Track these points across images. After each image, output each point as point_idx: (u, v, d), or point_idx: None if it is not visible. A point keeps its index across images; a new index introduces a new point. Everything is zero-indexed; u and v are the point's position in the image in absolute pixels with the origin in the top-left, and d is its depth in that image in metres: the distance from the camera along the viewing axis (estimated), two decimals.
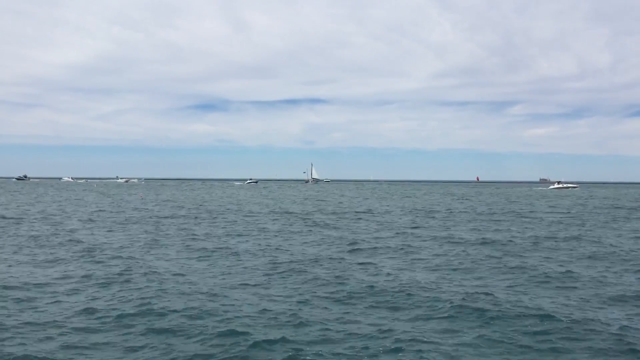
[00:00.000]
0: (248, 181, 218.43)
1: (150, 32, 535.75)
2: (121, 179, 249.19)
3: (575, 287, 16.10)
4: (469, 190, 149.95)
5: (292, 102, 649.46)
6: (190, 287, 15.50)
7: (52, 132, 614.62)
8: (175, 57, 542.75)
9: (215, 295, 14.59)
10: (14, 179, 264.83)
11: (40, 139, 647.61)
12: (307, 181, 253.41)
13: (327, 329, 11.56)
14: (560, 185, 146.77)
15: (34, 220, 37.55)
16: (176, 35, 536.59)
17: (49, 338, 11.00)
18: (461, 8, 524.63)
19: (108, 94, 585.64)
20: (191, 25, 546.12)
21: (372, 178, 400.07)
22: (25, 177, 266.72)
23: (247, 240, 27.24)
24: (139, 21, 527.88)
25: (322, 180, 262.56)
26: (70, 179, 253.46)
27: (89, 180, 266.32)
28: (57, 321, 12.07)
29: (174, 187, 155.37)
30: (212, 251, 23.17)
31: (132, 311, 12.87)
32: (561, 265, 19.83)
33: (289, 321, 12.11)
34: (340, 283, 16.30)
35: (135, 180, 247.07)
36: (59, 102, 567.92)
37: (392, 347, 10.49)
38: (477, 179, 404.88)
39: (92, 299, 14.18)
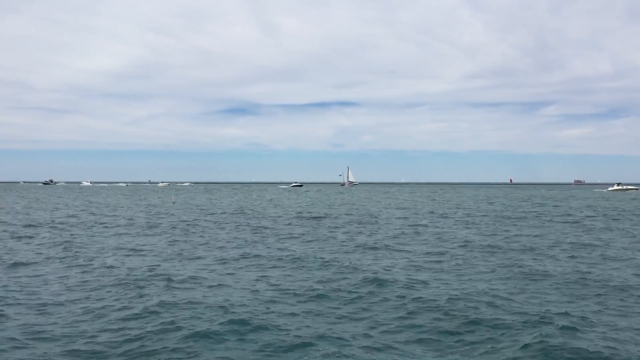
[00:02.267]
0: (293, 184, 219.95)
1: (182, 38, 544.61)
2: (162, 183, 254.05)
3: None
4: (525, 193, 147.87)
5: (322, 105, 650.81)
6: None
7: (86, 137, 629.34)
8: (206, 62, 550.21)
9: None
10: (40, 184, 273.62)
11: (74, 144, 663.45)
12: (343, 184, 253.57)
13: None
14: (620, 187, 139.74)
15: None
16: (207, 41, 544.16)
17: None
18: (493, 9, 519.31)
19: (140, 99, 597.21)
20: (222, 30, 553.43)
21: (403, 180, 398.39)
22: (51, 181, 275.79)
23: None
24: (171, 27, 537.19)
25: (357, 183, 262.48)
26: (89, 183, 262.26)
27: (124, 184, 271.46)
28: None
29: (224, 192, 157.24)
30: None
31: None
32: None
33: None
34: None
35: (187, 184, 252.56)
36: (92, 107, 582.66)
37: None
38: (510, 180, 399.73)
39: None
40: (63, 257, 22.25)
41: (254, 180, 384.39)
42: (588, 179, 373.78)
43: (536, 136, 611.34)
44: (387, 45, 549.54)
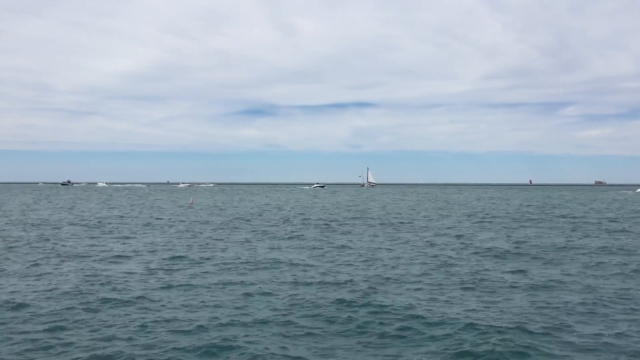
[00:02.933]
0: (315, 185, 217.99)
1: (201, 40, 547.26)
2: (183, 183, 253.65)
3: None
4: (551, 194, 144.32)
5: (339, 106, 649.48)
6: None
7: (106, 138, 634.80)
8: (224, 63, 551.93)
9: None
10: (59, 184, 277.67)
11: (94, 145, 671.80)
12: (362, 185, 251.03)
13: None
14: None
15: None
16: (225, 42, 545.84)
17: None
18: (513, 9, 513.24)
19: (159, 100, 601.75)
20: (240, 32, 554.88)
21: (420, 181, 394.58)
22: (69, 182, 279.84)
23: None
24: (190, 29, 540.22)
25: (377, 184, 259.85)
26: (105, 184, 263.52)
27: (146, 185, 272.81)
28: None
29: (255, 193, 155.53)
30: None
31: None
32: None
33: None
34: None
35: (212, 185, 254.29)
36: (113, 109, 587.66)
37: None
38: (530, 181, 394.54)
39: None
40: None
41: (271, 181, 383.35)
42: (609, 180, 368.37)
43: (556, 137, 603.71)
44: (405, 46, 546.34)
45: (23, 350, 10.35)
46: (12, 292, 15.34)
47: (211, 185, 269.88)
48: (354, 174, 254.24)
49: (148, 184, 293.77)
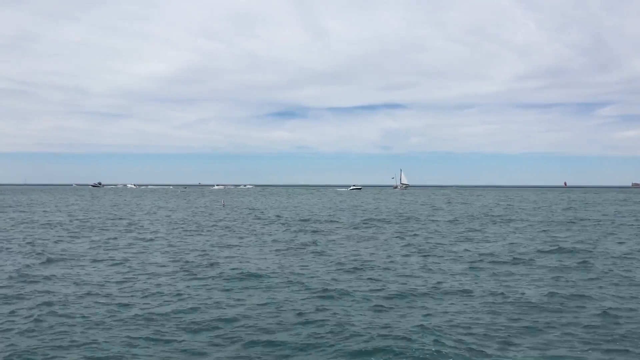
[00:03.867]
0: (351, 187, 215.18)
1: (232, 43, 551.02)
2: (218, 185, 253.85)
3: None
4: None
5: (369, 107, 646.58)
6: None
7: (139, 140, 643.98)
8: (255, 66, 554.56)
9: None
10: (90, 186, 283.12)
11: (128, 148, 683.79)
12: (395, 187, 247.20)
13: None
14: None
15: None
16: (256, 45, 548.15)
17: None
18: (547, 7, 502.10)
19: (191, 103, 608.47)
20: (271, 34, 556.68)
21: (452, 183, 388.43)
22: (100, 184, 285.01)
23: None
24: (221, 32, 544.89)
25: (410, 186, 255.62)
26: (133, 186, 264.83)
27: (183, 187, 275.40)
28: None
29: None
30: None
31: None
32: None
33: None
34: None
35: (250, 186, 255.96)
36: (146, 112, 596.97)
37: None
38: (565, 184, 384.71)
39: None
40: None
41: (301, 183, 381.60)
42: None
43: (591, 138, 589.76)
44: (436, 47, 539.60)
45: None
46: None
47: (249, 187, 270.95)
48: (384, 176, 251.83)
49: (185, 186, 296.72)
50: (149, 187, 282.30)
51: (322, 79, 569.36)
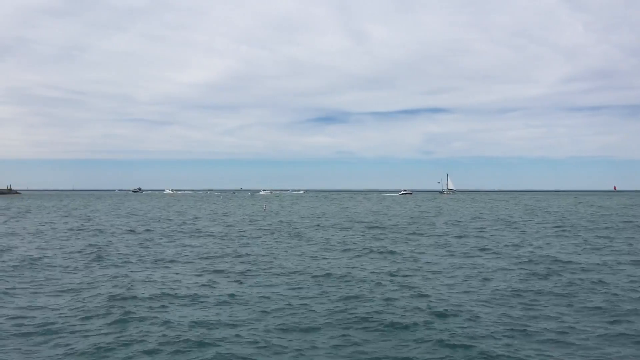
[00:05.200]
0: (402, 192, 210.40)
1: (274, 49, 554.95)
2: (265, 190, 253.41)
3: None
4: None
5: (411, 112, 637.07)
6: None
7: (183, 147, 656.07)
8: (296, 72, 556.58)
9: None
10: (130, 191, 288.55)
11: (171, 154, 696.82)
12: (442, 192, 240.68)
13: None
14: None
15: None
16: (298, 51, 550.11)
17: None
18: (595, 8, 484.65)
19: (234, 109, 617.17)
20: (312, 40, 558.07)
21: (496, 188, 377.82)
22: (140, 189, 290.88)
23: None
24: (263, 39, 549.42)
25: (457, 191, 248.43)
26: (170, 191, 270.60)
27: (233, 192, 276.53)
28: None
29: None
30: None
31: None
32: None
33: None
34: None
35: (302, 192, 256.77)
36: (189, 118, 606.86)
37: None
38: (615, 188, 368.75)
39: None
40: None
41: (342, 188, 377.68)
42: None
43: None
44: (480, 50, 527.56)
45: None
46: None
47: (301, 192, 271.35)
48: (427, 181, 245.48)
49: (233, 191, 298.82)
50: (185, 192, 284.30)
51: (363, 83, 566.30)
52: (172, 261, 21.91)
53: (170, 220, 50.57)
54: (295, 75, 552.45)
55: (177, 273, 18.82)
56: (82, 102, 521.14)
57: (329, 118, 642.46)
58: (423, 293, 15.11)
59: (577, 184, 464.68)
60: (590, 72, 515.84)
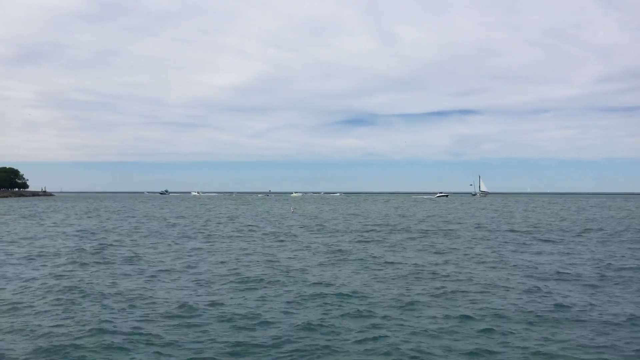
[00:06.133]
0: (438, 195, 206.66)
1: (303, 52, 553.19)
2: (296, 193, 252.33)
3: None
4: None
5: (441, 114, 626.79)
6: None
7: (214, 149, 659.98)
8: (325, 74, 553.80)
9: None
10: (158, 193, 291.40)
11: (203, 156, 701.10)
12: (474, 194, 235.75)
13: None
14: None
15: None
16: (327, 53, 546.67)
17: None
18: (630, 6, 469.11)
19: (263, 112, 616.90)
20: (341, 42, 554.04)
21: (528, 190, 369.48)
22: (166, 191, 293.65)
23: None
24: (293, 41, 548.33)
25: (489, 193, 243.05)
26: (197, 193, 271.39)
27: (267, 194, 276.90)
28: None
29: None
30: None
31: None
32: None
33: None
34: None
35: (338, 194, 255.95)
36: (220, 121, 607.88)
37: None
38: None
39: None
40: None
41: (370, 191, 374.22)
42: None
43: None
44: (512, 50, 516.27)
45: None
46: None
47: (338, 194, 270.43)
48: (457, 183, 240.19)
49: (268, 193, 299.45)
50: (210, 194, 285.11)
51: (392, 85, 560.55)
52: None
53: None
54: (324, 78, 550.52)
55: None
56: (114, 106, 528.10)
57: (358, 120, 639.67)
58: None
59: (612, 187, 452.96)
60: (625, 72, 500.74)
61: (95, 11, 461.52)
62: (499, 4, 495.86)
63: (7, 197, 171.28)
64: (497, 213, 71.74)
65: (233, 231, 38.95)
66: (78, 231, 38.55)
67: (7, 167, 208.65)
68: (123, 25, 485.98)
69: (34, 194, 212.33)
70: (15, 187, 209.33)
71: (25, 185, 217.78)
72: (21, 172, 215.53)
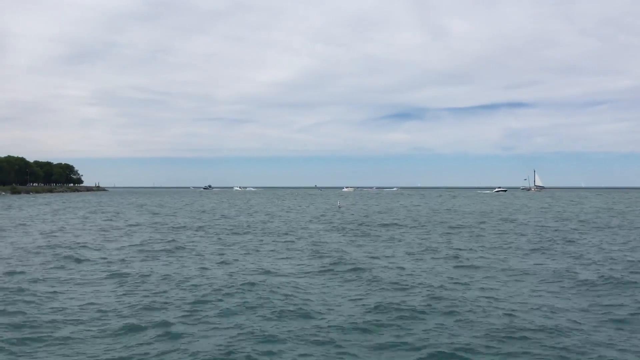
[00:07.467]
0: (496, 189, 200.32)
1: (350, 47, 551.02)
2: (347, 188, 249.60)
3: None
4: None
5: (490, 107, 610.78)
6: None
7: (261, 144, 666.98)
8: (372, 69, 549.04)
9: None
10: (201, 188, 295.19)
11: (250, 152, 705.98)
12: (529, 189, 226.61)
13: None
14: None
15: None
16: (374, 48, 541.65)
17: None
18: None
19: (310, 107, 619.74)
20: (389, 36, 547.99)
21: (582, 185, 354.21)
22: (210, 186, 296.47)
23: None
24: (340, 37, 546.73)
25: (545, 188, 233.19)
26: (239, 188, 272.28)
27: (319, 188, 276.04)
28: None
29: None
30: None
31: None
32: None
33: None
34: None
35: (395, 189, 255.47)
36: (267, 117, 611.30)
37: None
38: None
39: None
40: None
41: (419, 185, 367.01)
42: None
43: None
44: (565, 41, 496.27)
45: None
46: None
47: (394, 189, 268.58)
48: (507, 177, 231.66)
49: (321, 188, 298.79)
50: (251, 189, 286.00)
51: (441, 79, 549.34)
52: None
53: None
54: (372, 72, 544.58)
55: None
56: (165, 103, 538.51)
57: (406, 114, 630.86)
58: None
59: None
60: None
61: (147, 11, 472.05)
62: None
63: (64, 192, 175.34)
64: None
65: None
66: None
67: (63, 163, 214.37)
68: (174, 23, 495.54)
69: (88, 189, 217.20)
70: (70, 183, 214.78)
71: (80, 181, 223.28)
72: (76, 168, 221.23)
